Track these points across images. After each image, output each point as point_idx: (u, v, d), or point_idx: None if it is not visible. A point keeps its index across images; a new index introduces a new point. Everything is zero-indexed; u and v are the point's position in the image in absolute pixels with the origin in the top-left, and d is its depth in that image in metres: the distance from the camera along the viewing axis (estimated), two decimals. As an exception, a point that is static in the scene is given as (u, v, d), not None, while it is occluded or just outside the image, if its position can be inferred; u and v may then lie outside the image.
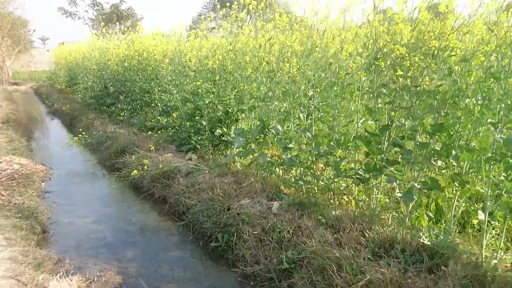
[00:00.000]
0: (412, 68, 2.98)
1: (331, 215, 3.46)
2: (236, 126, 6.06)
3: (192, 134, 6.22)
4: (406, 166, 3.45)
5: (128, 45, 9.69)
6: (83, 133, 7.49)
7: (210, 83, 5.91)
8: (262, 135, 4.77)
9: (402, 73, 3.12)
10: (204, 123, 5.84)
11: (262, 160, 4.47)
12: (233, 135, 5.04)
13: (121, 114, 9.50)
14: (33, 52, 39.94)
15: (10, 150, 7.31)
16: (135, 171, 5.11)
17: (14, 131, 9.30)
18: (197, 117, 6.37)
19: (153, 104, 8.36)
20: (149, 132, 7.58)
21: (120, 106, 9.71)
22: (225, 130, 5.94)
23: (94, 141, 7.54)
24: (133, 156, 5.66)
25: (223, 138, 5.92)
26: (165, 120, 7.76)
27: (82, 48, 15.45)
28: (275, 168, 4.60)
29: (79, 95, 14.79)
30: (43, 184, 5.93)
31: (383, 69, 3.21)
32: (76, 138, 7.18)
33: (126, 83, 9.31)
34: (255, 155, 4.74)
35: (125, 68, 8.79)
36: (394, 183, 3.70)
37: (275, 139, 4.93)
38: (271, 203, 3.91)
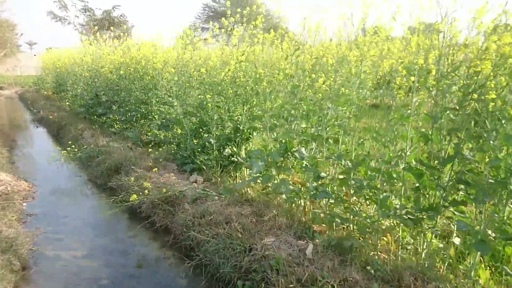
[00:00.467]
0: (496, 89, 2.41)
1: (380, 264, 2.85)
2: (247, 145, 5.44)
3: (197, 153, 5.57)
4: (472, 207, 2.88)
5: (124, 51, 9.06)
6: (72, 146, 6.75)
7: (219, 96, 5.29)
8: (283, 159, 4.17)
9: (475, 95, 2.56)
10: (212, 141, 5.20)
11: (285, 188, 3.85)
12: (249, 157, 4.41)
13: (114, 126, 8.79)
14: (19, 56, 38.82)
15: (-10, 163, 6.56)
16: (134, 196, 4.42)
17: (-5, 140, 8.53)
18: (203, 134, 5.73)
19: (150, 116, 7.69)
20: (146, 148, 6.90)
21: (113, 116, 9.00)
22: (234, 149, 5.32)
23: (84, 155, 6.81)
24: (132, 178, 4.97)
25: (233, 158, 5.28)
26: (164, 134, 7.09)
27: (72, 53, 14.72)
28: (300, 199, 3.98)
29: (67, 103, 14.00)
30: (25, 204, 5.20)
31: (454, 89, 2.64)
32: (65, 151, 6.45)
33: (120, 92, 8.63)
34: (275, 181, 4.13)
35: (120, 76, 8.12)
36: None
37: (297, 164, 4.34)
38: (301, 244, 3.28)
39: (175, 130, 6.68)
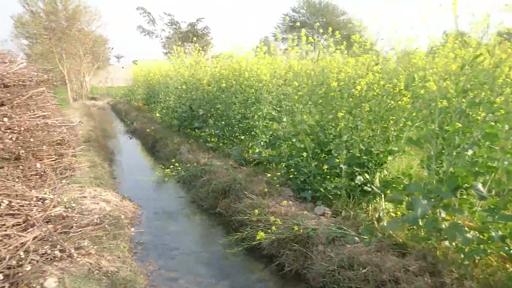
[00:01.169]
0: None
1: None
2: (381, 172, 4.55)
3: (318, 178, 4.80)
4: None
5: (217, 63, 8.62)
6: (175, 164, 6.32)
7: (350, 114, 4.48)
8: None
9: None
10: (343, 167, 4.38)
11: (461, 238, 2.91)
12: (408, 195, 3.53)
13: (211, 140, 8.38)
14: (109, 69, 41.56)
15: (94, 179, 6.36)
16: (262, 234, 3.72)
17: (96, 153, 8.50)
18: (321, 156, 4.96)
19: (252, 132, 7.09)
20: (251, 167, 6.29)
21: (209, 130, 8.60)
22: (367, 177, 4.46)
23: (186, 174, 6.36)
24: (256, 210, 4.28)
25: (365, 188, 4.43)
26: (269, 153, 6.43)
27: (162, 65, 14.91)
28: (483, 253, 3.01)
29: (158, 114, 14.12)
30: (132, 229, 4.78)
31: None
32: (168, 170, 6.06)
33: (218, 106, 8.18)
34: (442, 225, 3.21)
35: (220, 89, 7.65)
36: None
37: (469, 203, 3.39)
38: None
39: (283, 148, 5.99)
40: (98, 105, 26.33)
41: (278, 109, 5.95)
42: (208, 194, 5.62)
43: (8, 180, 5.91)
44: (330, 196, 4.58)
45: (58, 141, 7.09)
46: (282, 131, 6.10)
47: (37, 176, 6.19)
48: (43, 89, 7.84)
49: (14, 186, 4.40)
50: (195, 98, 8.98)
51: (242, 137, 7.56)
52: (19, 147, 6.24)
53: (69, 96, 25.90)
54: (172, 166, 6.21)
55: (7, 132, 6.37)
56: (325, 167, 4.75)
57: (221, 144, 7.96)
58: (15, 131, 6.52)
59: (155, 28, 27.94)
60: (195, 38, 28.08)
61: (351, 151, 4.53)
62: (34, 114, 7.04)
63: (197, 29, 27.87)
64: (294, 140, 5.64)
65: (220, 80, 7.63)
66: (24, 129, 6.68)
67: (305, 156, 4.99)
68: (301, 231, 3.78)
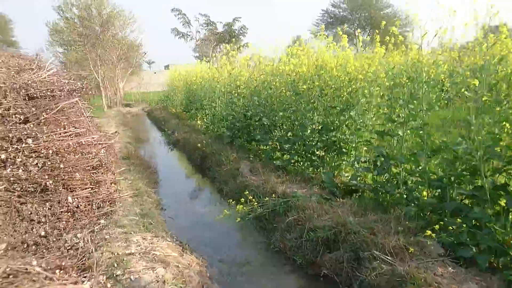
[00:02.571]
0: None
1: None
2: None
3: (494, 227, 3.05)
4: None
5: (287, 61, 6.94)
6: (251, 198, 4.68)
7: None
8: None
9: None
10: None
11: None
12: None
13: (277, 157, 6.74)
14: (141, 75, 40.80)
15: (140, 216, 4.85)
16: None
17: (137, 174, 7.03)
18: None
19: (343, 149, 5.37)
20: (349, 199, 4.59)
21: (273, 143, 6.97)
22: None
23: (262, 210, 4.71)
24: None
25: None
26: (378, 179, 4.69)
27: (204, 68, 13.45)
28: None
29: (200, 122, 12.66)
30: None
31: None
32: (241, 206, 4.43)
33: (288, 113, 6.50)
34: None
35: (296, 93, 5.95)
36: None
37: None
38: None
39: (402, 175, 4.25)
40: (133, 112, 25.30)
41: (394, 118, 4.21)
42: (301, 244, 3.95)
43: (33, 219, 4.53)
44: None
45: (94, 165, 5.67)
46: (395, 147, 4.38)
47: (69, 214, 4.78)
48: (76, 100, 6.45)
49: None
50: (257, 104, 7.31)
51: (322, 154, 5.86)
52: (46, 176, 4.82)
53: (104, 103, 25.00)
54: (244, 202, 4.57)
55: (31, 156, 5.00)
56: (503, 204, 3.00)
57: (293, 162, 6.29)
58: (41, 155, 5.08)
59: (190, 30, 26.72)
60: (229, 42, 26.69)
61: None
62: (65, 132, 5.60)
63: (234, 29, 26.40)
64: (422, 164, 3.91)
65: (296, 81, 5.93)
66: (53, 152, 5.22)
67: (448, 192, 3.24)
68: None
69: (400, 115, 4.15)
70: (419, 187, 4.02)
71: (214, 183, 6.89)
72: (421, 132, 3.89)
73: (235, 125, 8.64)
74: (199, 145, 8.83)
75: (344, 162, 5.49)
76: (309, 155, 5.96)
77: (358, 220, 3.87)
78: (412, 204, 3.88)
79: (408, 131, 4.18)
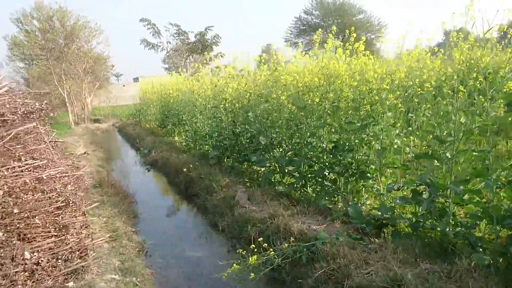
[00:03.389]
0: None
1: None
2: None
3: None
4: None
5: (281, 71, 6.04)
6: (266, 245, 3.69)
7: None
8: None
9: None
10: None
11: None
12: None
13: (279, 181, 5.81)
14: (109, 88, 39.04)
15: (122, 273, 3.78)
16: None
17: (113, 207, 5.92)
18: None
19: (365, 173, 4.47)
20: (382, 237, 3.68)
21: (270, 165, 6.03)
22: None
23: (279, 260, 3.71)
24: None
25: None
26: (417, 211, 3.80)
27: (182, 81, 12.44)
28: None
29: (180, 139, 11.58)
30: None
31: None
32: (254, 257, 3.43)
33: (294, 132, 5.58)
34: None
35: (303, 107, 5.03)
36: None
37: None
38: None
39: (451, 207, 3.39)
40: (103, 128, 23.81)
41: (444, 136, 3.35)
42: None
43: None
44: None
45: (59, 205, 4.57)
46: (443, 174, 3.52)
47: (26, 274, 3.68)
48: (33, 125, 5.32)
49: None
50: (251, 120, 6.33)
51: (335, 177, 4.95)
52: (-5, 227, 3.72)
53: (70, 119, 23.38)
54: (256, 249, 3.57)
55: (-27, 201, 3.88)
56: None
57: (298, 187, 5.36)
58: (-13, 199, 3.95)
59: (161, 40, 25.50)
60: (201, 52, 25.64)
61: None
62: (21, 166, 4.47)
63: (207, 38, 25.38)
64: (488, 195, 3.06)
65: (301, 93, 5.00)
66: (4, 192, 4.13)
67: None
68: None
69: (452, 132, 3.29)
70: (482, 224, 3.17)
71: (206, 215, 5.85)
72: (486, 153, 3.03)
73: (222, 143, 7.64)
74: (182, 168, 7.76)
75: (366, 189, 4.60)
76: (320, 180, 5.05)
77: (412, 272, 2.96)
78: (480, 250, 3.01)
79: (460, 152, 3.33)
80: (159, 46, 25.77)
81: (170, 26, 24.89)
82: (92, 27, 25.95)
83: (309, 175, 5.22)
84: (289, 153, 5.68)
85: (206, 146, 8.81)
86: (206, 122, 8.89)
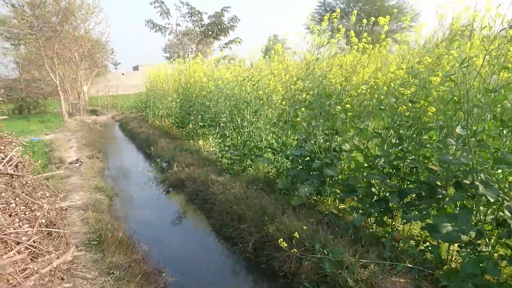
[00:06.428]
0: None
1: None
2: None
3: None
4: None
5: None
6: None
7: None
8: None
9: None
10: None
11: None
12: None
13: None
14: (108, 76, 35.44)
15: None
16: None
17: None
18: None
19: None
20: None
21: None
22: None
23: None
24: None
25: None
26: None
27: (213, 68, 9.11)
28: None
29: (204, 144, 8.25)
30: None
31: None
32: None
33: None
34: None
35: None
36: None
37: None
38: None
39: None
40: (101, 121, 20.36)
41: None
42: None
43: None
44: None
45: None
46: None
47: None
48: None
49: None
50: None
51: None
52: None
53: (63, 110, 19.91)
54: None
55: None
56: None
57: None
58: None
59: (169, 21, 21.95)
60: (216, 36, 22.17)
61: None
62: None
63: (223, 20, 21.84)
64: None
65: None
66: None
67: None
68: None
69: None
70: None
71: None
72: None
73: (318, 172, 4.32)
74: (235, 206, 4.40)
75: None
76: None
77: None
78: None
79: None
80: (167, 28, 22.26)
81: (181, 5, 21.36)
82: (90, 4, 22.34)
83: None
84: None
85: (269, 166, 5.49)
86: (271, 129, 5.56)
